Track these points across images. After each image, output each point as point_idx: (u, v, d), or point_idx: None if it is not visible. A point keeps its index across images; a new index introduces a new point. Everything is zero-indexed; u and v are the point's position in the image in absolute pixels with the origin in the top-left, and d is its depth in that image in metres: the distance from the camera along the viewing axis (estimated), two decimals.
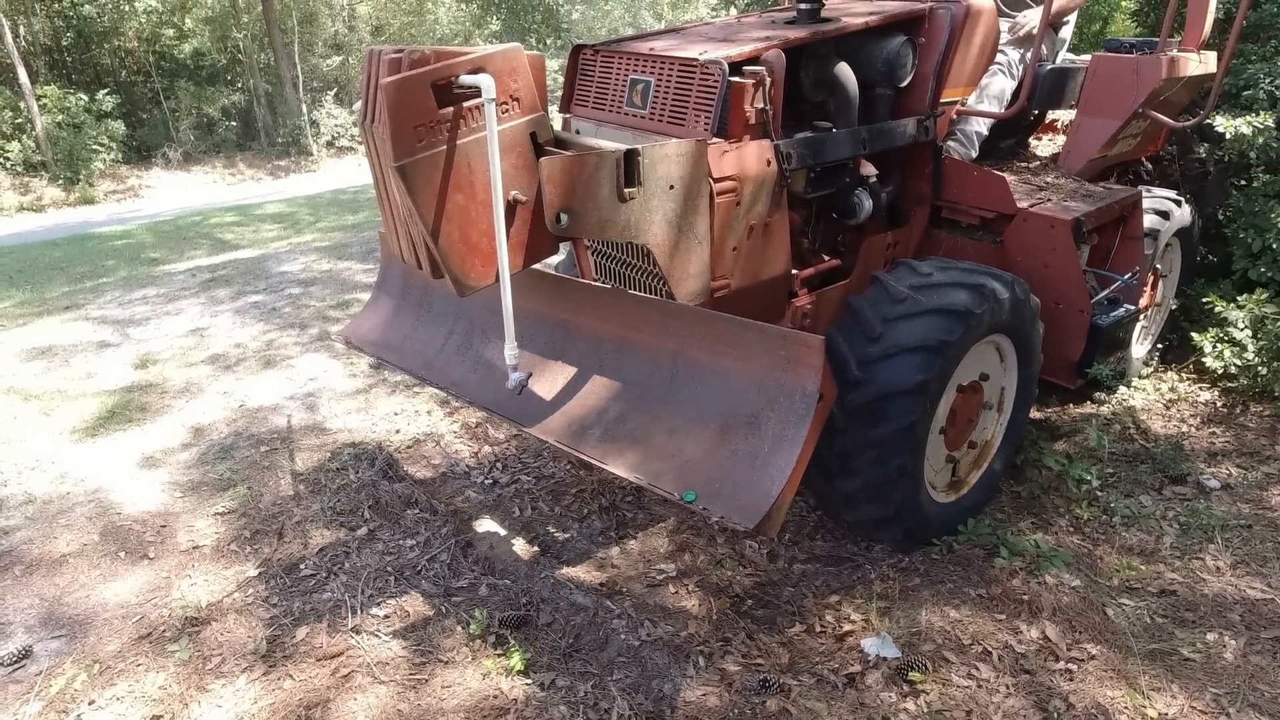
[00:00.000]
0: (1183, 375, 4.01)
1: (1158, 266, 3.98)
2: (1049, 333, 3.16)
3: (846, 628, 2.49)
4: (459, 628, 2.54)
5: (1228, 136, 3.82)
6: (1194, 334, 3.88)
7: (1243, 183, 4.39)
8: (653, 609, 2.62)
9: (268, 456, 3.60)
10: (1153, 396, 3.85)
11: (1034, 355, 2.92)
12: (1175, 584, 2.60)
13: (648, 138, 2.54)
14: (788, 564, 2.83)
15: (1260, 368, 3.52)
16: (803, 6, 2.83)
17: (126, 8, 17.81)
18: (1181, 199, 3.86)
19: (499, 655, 2.40)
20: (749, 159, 2.45)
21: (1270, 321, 3.55)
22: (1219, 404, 3.74)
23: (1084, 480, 2.95)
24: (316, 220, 9.93)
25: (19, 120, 15.90)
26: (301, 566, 2.84)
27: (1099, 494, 3.06)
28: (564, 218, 2.06)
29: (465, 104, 1.99)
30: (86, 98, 16.66)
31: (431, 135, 1.97)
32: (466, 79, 1.94)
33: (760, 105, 2.44)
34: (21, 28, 18.30)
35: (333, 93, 21.04)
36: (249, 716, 2.20)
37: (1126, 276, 3.27)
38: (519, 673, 2.34)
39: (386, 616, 2.60)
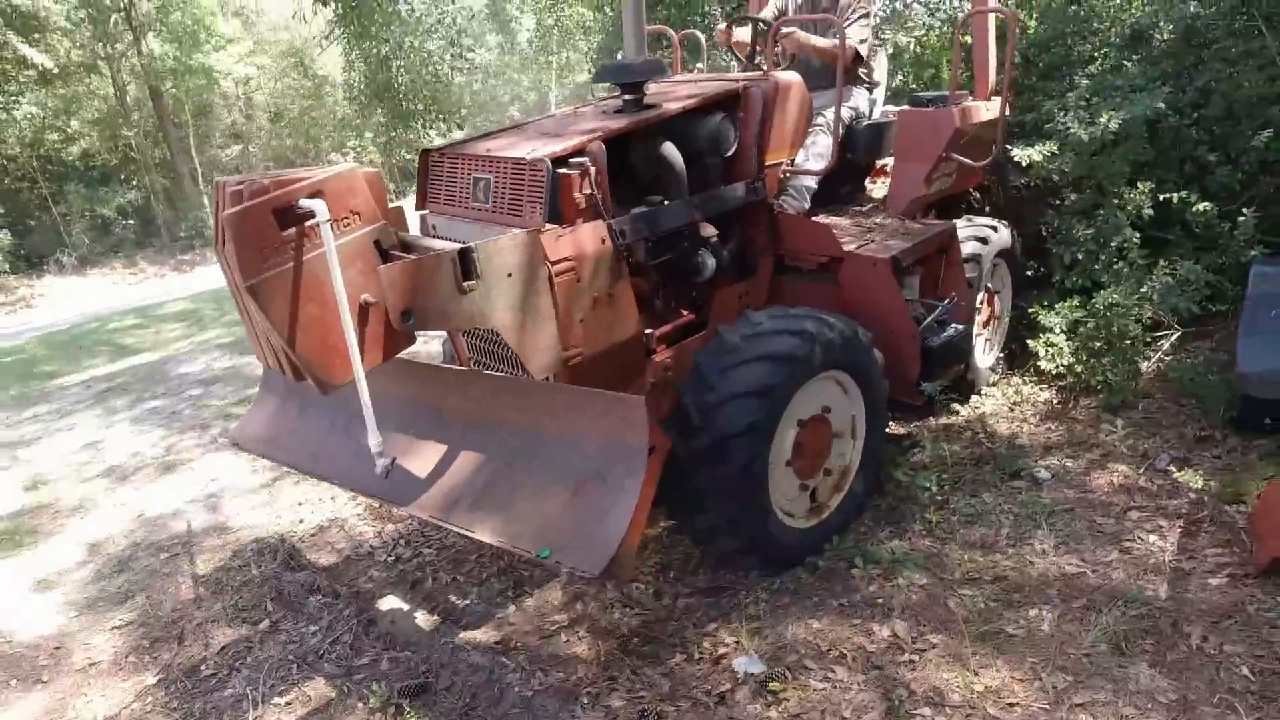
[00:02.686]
0: (1025, 379, 4.46)
1: (989, 285, 4.45)
2: (889, 359, 3.52)
3: (721, 651, 2.71)
4: (360, 704, 2.65)
5: (1022, 164, 4.36)
6: (1029, 341, 4.34)
7: (1058, 203, 4.96)
8: (546, 659, 2.79)
9: (168, 563, 3.63)
10: (1000, 401, 4.28)
11: (875, 384, 3.21)
12: (1008, 570, 2.93)
13: (493, 229, 2.81)
14: (672, 600, 3.05)
15: (1077, 366, 3.98)
16: (627, 98, 3.18)
17: (3, 116, 17.37)
18: (998, 224, 4.36)
19: None
20: (584, 240, 2.74)
21: (1082, 324, 4.03)
22: (1055, 402, 4.19)
23: (926, 488, 3.28)
24: (221, 314, 9.84)
25: None
26: (202, 668, 2.90)
27: (948, 498, 3.40)
28: (410, 316, 2.28)
29: (307, 224, 2.21)
30: None
31: (278, 255, 2.18)
32: (304, 203, 2.17)
33: (588, 192, 2.75)
34: None
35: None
36: None
37: (945, 302, 3.69)
38: None
39: (289, 703, 2.69)
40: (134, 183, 20.02)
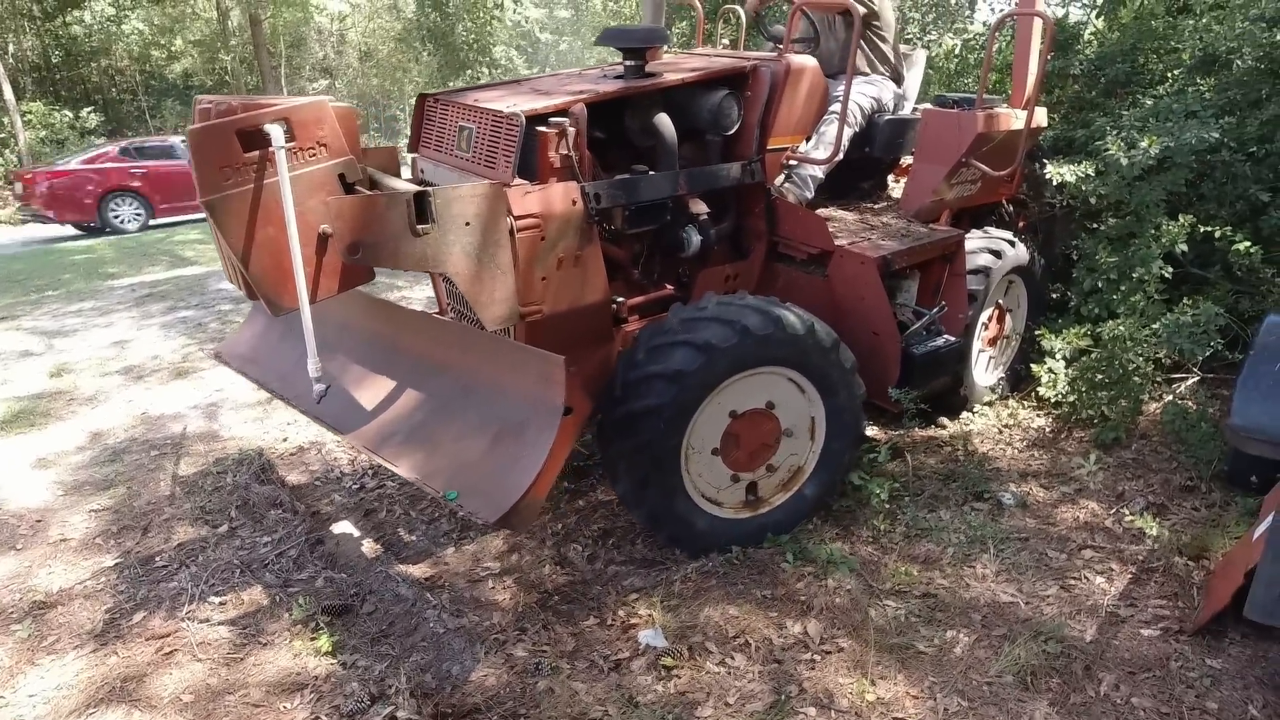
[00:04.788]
0: (1024, 403, 4.30)
1: (999, 302, 4.29)
2: (869, 361, 3.44)
3: (633, 621, 2.75)
4: (286, 614, 2.79)
5: (1053, 183, 4.16)
6: (1033, 364, 4.18)
7: (1094, 226, 4.73)
8: (467, 601, 2.88)
9: (155, 460, 3.86)
10: (991, 422, 4.14)
11: (835, 388, 3.06)
12: (940, 588, 2.87)
13: (469, 177, 2.85)
14: (604, 566, 3.09)
15: (1071, 395, 3.82)
16: (627, 64, 3.16)
17: (114, 29, 18.29)
18: (1015, 239, 4.18)
19: (312, 639, 2.66)
20: (553, 199, 2.76)
21: (1086, 354, 3.86)
22: (1047, 430, 4.03)
23: (876, 494, 3.22)
24: None
25: (2, 135, 16.27)
26: (157, 559, 3.09)
27: (904, 509, 3.34)
28: (359, 250, 2.35)
29: (270, 148, 2.30)
30: (71, 114, 17.02)
31: (238, 175, 2.27)
32: (267, 127, 2.25)
33: (564, 152, 2.76)
34: (11, 45, 18.78)
35: None
36: (68, 687, 2.45)
37: (933, 311, 3.58)
38: (326, 653, 2.59)
39: (223, 603, 2.85)
40: None
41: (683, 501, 2.87)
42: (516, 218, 2.66)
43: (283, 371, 3.17)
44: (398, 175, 3.24)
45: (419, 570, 3.07)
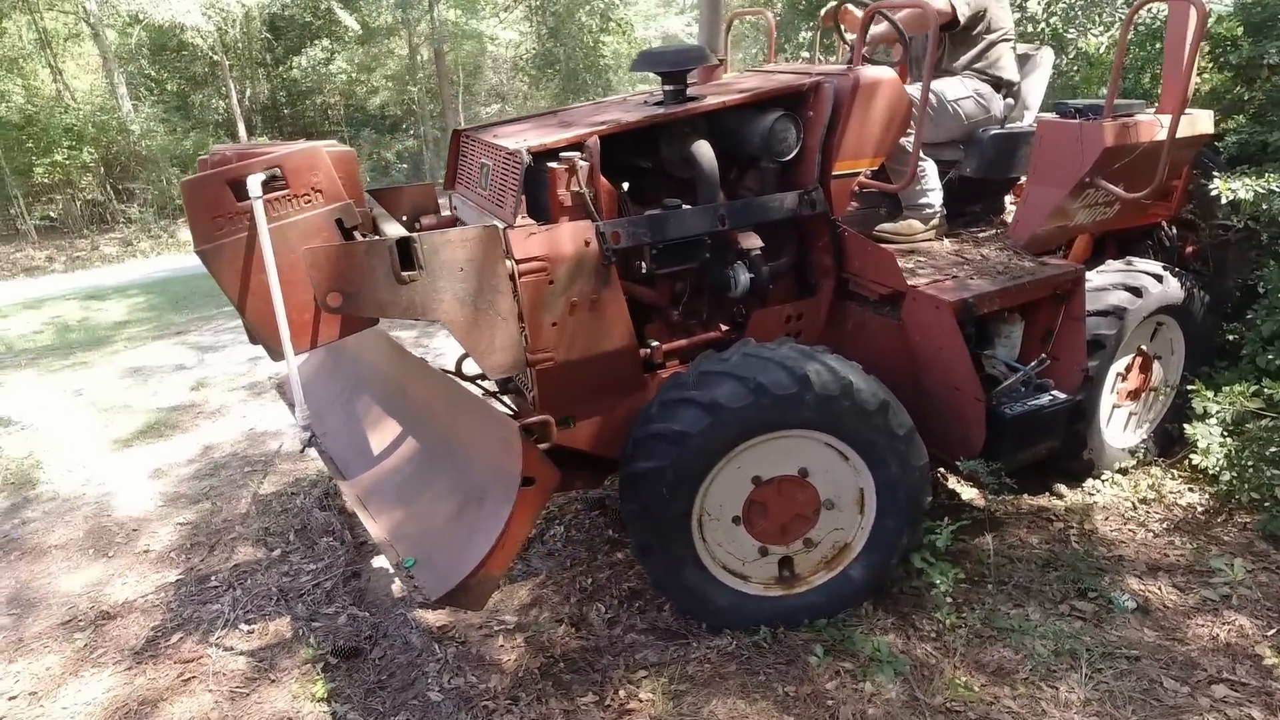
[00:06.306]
0: (1174, 471, 3.52)
1: (1143, 348, 3.54)
2: (950, 421, 2.96)
3: (632, 705, 2.50)
4: (302, 650, 2.83)
5: (1223, 201, 3.36)
6: (1187, 426, 3.40)
7: None
8: (472, 658, 2.77)
9: (247, 477, 4.14)
10: (1124, 494, 3.42)
11: (884, 459, 2.61)
12: (1004, 713, 2.35)
13: (487, 215, 2.75)
14: (623, 632, 2.86)
15: (1226, 472, 3.04)
16: (666, 89, 2.92)
17: (323, 70, 20.65)
18: (1166, 272, 3.42)
19: (312, 682, 2.66)
20: (561, 240, 2.57)
21: (1253, 419, 3.06)
22: (1199, 509, 3.25)
23: (936, 585, 2.70)
24: None
25: None
26: (212, 579, 3.28)
27: (984, 597, 2.80)
28: (341, 300, 2.31)
29: (267, 195, 2.32)
30: None
31: (232, 224, 2.32)
32: (251, 178, 2.27)
33: (575, 189, 2.57)
34: (248, 89, 21.85)
35: None
36: (94, 704, 2.62)
37: (1029, 366, 2.97)
38: (319, 699, 2.59)
39: (250, 633, 2.95)
40: (411, 132, 22.86)
41: (693, 573, 2.60)
42: (519, 261, 2.51)
43: (319, 408, 3.24)
44: (436, 213, 3.25)
45: (436, 618, 3.00)
